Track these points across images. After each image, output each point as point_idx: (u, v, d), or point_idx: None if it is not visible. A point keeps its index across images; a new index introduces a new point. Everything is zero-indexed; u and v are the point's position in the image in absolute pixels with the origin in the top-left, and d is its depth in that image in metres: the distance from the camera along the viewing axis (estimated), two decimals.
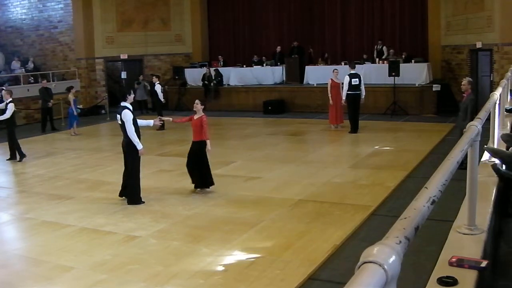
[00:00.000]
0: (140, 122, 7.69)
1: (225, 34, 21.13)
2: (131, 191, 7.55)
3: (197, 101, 8.06)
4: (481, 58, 14.87)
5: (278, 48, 19.10)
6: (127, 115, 7.36)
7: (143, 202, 7.55)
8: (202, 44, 21.13)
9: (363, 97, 13.10)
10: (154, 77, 15.67)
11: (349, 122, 13.02)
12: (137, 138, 7.38)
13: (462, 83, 8.86)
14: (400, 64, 15.41)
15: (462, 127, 8.44)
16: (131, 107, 7.50)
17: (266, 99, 17.61)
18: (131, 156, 7.50)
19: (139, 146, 7.39)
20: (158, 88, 14.93)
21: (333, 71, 13.61)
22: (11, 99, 11.09)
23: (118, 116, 7.47)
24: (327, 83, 13.66)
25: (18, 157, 11.10)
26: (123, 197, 7.68)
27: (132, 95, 7.69)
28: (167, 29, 20.65)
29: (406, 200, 6.41)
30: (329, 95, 13.38)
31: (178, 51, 20.82)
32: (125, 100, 7.53)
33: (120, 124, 7.52)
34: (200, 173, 7.88)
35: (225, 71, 19.06)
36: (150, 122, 7.92)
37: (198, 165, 7.85)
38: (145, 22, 20.26)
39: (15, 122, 11.61)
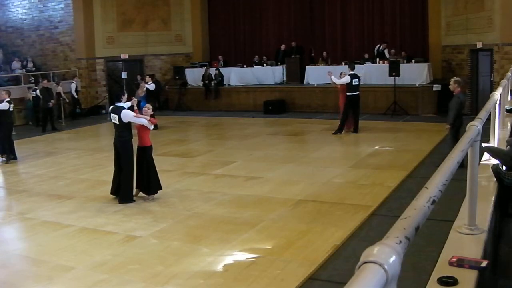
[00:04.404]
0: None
1: (226, 34, 21.13)
2: (124, 190, 7.67)
3: (147, 105, 8.05)
4: (482, 58, 14.86)
5: (283, 47, 19.06)
6: (129, 114, 7.53)
7: (134, 201, 7.66)
8: (202, 44, 21.12)
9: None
10: (147, 76, 15.72)
11: (341, 123, 12.84)
12: (144, 120, 7.55)
13: (450, 84, 8.92)
14: (401, 64, 15.40)
15: (448, 122, 8.62)
16: (126, 106, 7.71)
17: (267, 99, 17.61)
18: (126, 157, 7.66)
19: (151, 127, 7.68)
20: (151, 87, 14.88)
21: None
22: (8, 98, 11.09)
23: (115, 116, 7.58)
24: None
25: (4, 158, 11.10)
26: (115, 196, 7.83)
27: (126, 95, 7.90)
28: (167, 29, 20.65)
29: (406, 200, 6.41)
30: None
31: (179, 51, 20.82)
32: (119, 101, 7.69)
33: (116, 123, 7.65)
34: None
35: (226, 71, 19.06)
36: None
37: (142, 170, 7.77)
38: (145, 22, 20.26)
39: (12, 122, 11.67)
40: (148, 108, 7.90)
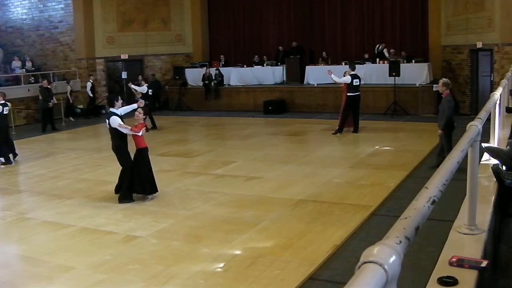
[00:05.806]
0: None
1: (225, 34, 21.13)
2: (123, 190, 7.74)
3: (139, 109, 8.05)
4: (482, 58, 14.86)
5: (282, 47, 19.10)
6: (116, 120, 7.57)
7: (133, 200, 7.70)
8: (202, 44, 21.12)
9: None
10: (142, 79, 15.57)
11: (339, 122, 12.84)
12: (127, 130, 7.59)
13: (438, 85, 8.74)
14: (401, 64, 15.40)
15: (441, 126, 8.46)
16: (118, 112, 7.73)
17: (267, 99, 17.61)
18: (121, 159, 7.79)
19: (139, 133, 7.66)
20: (143, 89, 14.68)
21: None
22: (3, 101, 11.05)
23: (107, 121, 7.74)
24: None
25: (11, 158, 11.11)
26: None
27: (120, 101, 7.93)
28: (167, 29, 20.65)
29: (406, 200, 6.41)
30: None
31: (179, 51, 20.82)
32: (113, 106, 7.79)
33: (108, 128, 7.77)
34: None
35: (226, 71, 19.06)
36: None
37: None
38: (145, 22, 20.26)
39: (8, 125, 11.67)
40: (139, 112, 7.92)
